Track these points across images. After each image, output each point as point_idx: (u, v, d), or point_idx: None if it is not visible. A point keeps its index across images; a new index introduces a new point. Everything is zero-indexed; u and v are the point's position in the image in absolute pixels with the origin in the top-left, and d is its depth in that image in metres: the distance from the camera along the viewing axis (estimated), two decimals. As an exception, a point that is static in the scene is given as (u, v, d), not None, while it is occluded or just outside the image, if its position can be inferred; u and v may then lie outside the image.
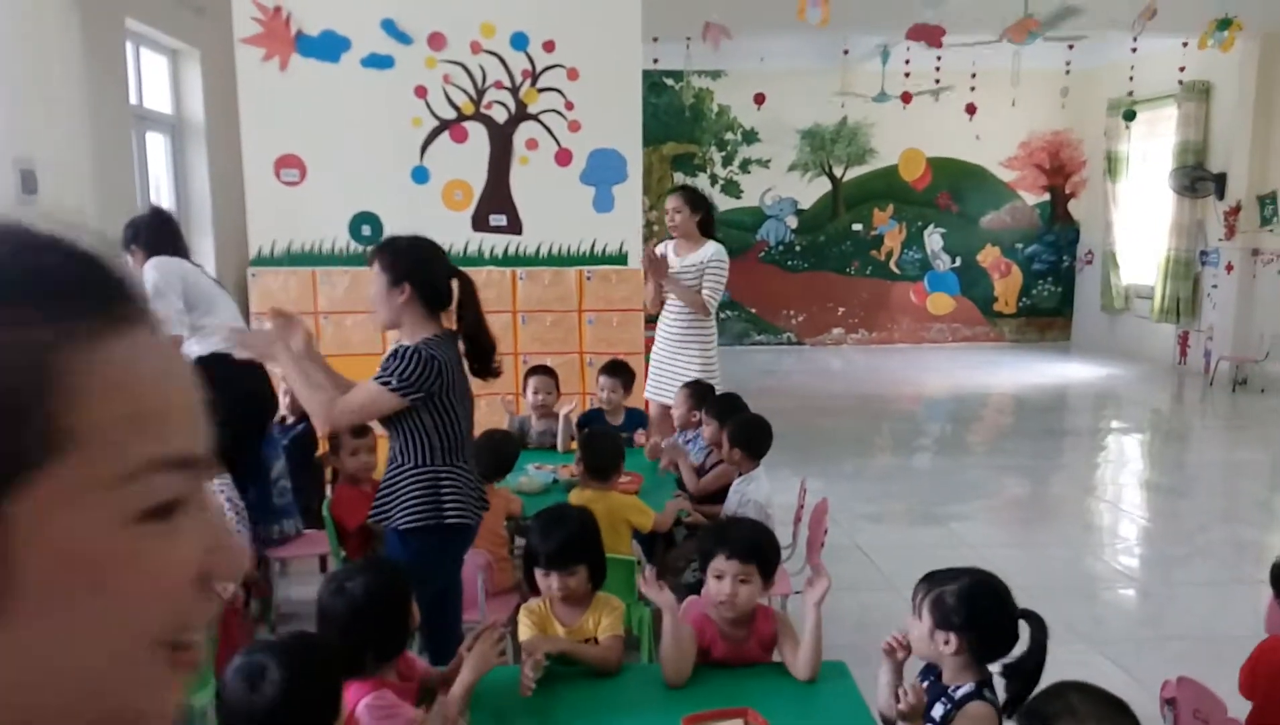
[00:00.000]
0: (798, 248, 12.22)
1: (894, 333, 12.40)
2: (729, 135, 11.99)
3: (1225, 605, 4.36)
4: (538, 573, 2.30)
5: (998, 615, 1.92)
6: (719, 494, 3.76)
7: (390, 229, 5.77)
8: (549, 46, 5.65)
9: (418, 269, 2.66)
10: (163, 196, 7.68)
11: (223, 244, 8.07)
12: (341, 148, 5.67)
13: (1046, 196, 12.35)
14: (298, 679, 1.54)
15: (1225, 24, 6.92)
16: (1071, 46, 8.94)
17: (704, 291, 4.89)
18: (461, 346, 2.73)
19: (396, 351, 2.62)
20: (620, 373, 4.45)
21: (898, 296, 12.37)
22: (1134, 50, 8.98)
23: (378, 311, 2.74)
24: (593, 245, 5.88)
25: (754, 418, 3.82)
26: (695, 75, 11.33)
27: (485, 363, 2.77)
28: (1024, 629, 1.95)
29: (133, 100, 6.87)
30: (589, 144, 5.75)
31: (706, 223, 4.98)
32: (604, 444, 3.43)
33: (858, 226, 12.24)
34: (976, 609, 1.90)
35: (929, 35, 6.66)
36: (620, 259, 5.89)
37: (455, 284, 2.75)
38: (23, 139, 5.44)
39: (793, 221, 12.16)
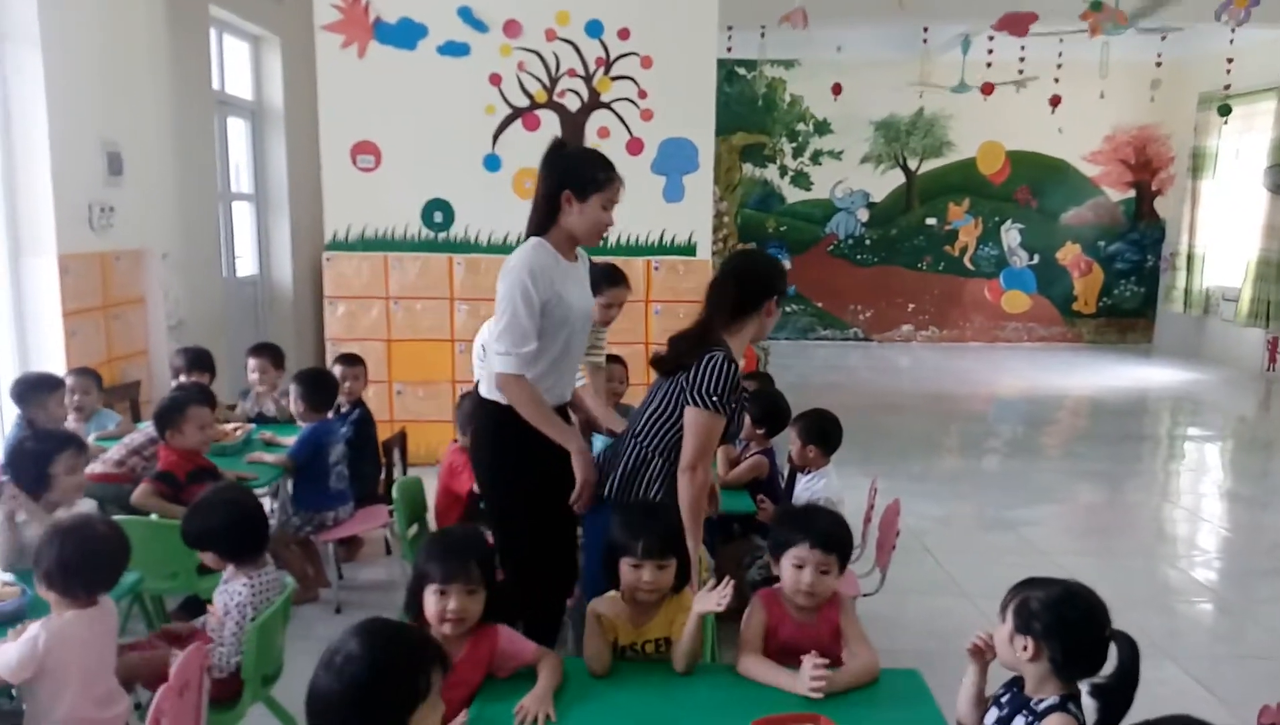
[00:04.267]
0: (868, 241, 12.00)
1: (966, 331, 12.11)
2: (800, 126, 11.82)
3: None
4: (626, 564, 2.22)
5: (1083, 630, 1.82)
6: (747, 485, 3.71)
7: (462, 216, 5.82)
8: (624, 34, 5.62)
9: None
10: (243, 179, 7.86)
11: (298, 228, 8.22)
12: (416, 135, 5.72)
13: (1131, 193, 11.92)
14: (380, 657, 1.54)
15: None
16: (1164, 38, 8.59)
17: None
18: None
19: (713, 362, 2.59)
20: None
21: (971, 293, 12.08)
22: (1231, 42, 8.61)
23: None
24: (661, 235, 5.84)
25: (824, 413, 3.74)
26: (768, 65, 11.19)
27: None
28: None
29: (215, 86, 7.02)
30: (660, 133, 5.71)
31: None
32: None
33: (931, 221, 11.97)
34: (1060, 619, 1.81)
35: (1018, 23, 6.43)
36: (689, 250, 5.84)
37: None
38: (109, 122, 5.59)
39: (864, 215, 11.95)
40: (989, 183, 11.82)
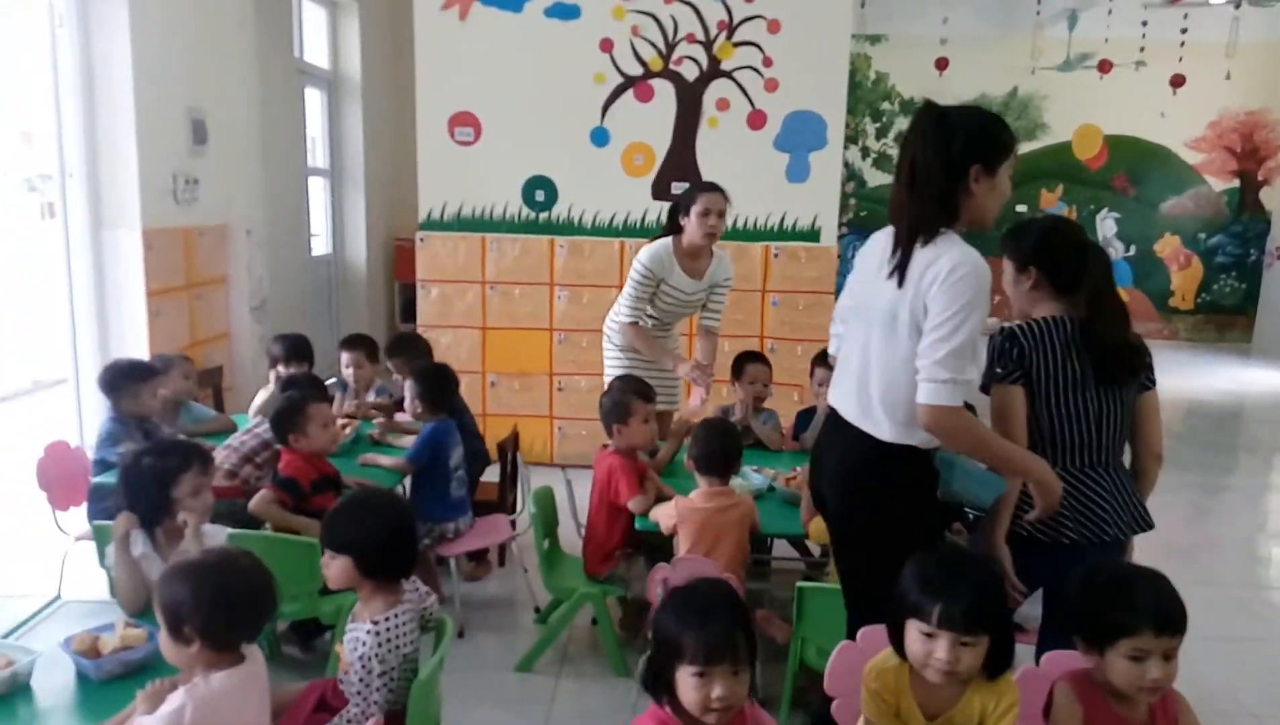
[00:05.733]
0: (955, 230, 11.42)
1: (1054, 324, 11.51)
2: (885, 105, 11.25)
3: None
4: (916, 628, 1.74)
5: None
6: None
7: (565, 195, 5.39)
8: (750, -6, 5.13)
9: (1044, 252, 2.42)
10: (318, 153, 7.49)
11: (372, 206, 7.85)
12: (519, 106, 5.29)
13: (1236, 182, 11.23)
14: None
15: None
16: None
17: (712, 321, 4.02)
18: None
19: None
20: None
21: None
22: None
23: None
24: (782, 219, 5.37)
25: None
26: (853, 40, 10.61)
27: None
28: None
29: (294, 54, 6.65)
30: (786, 106, 5.23)
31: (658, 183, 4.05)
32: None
33: (1023, 207, 11.34)
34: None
35: None
36: (813, 235, 5.37)
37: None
38: (195, 88, 5.22)
39: (949, 201, 11.36)
40: (1085, 168, 11.18)
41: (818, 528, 2.92)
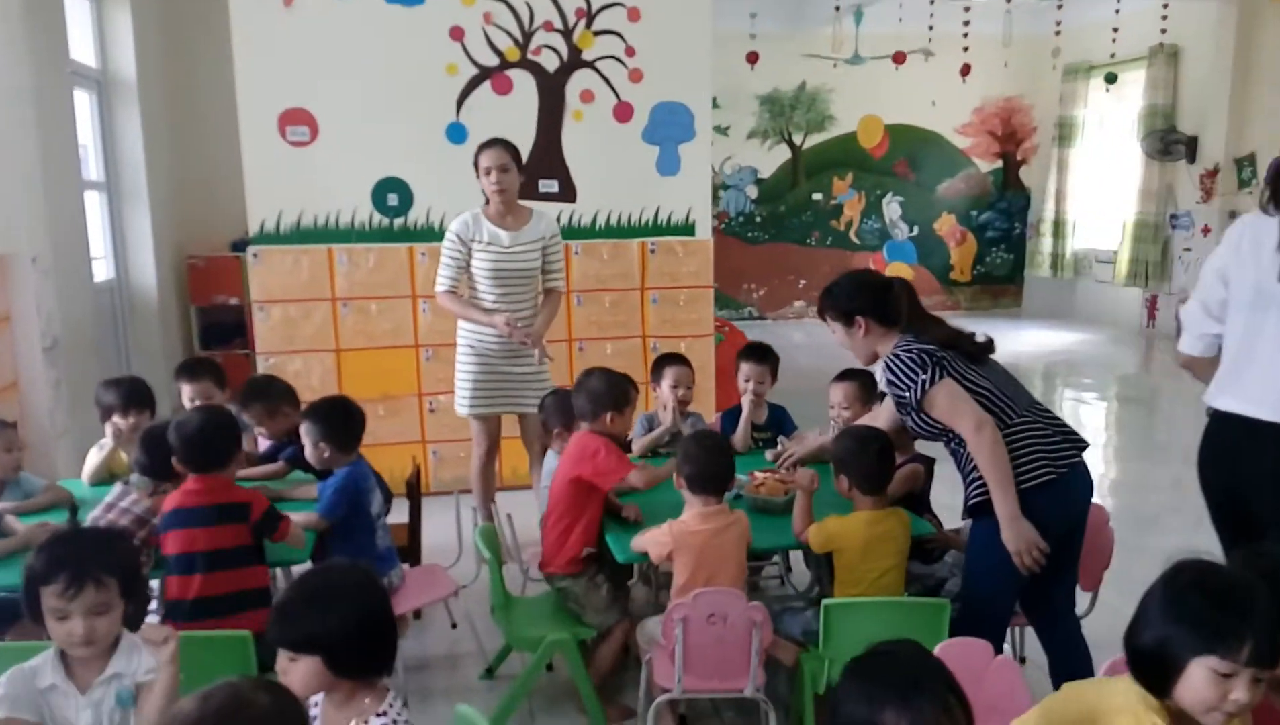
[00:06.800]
0: (758, 218, 11.74)
1: (854, 304, 12.10)
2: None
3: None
4: (1203, 666, 1.47)
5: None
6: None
7: (421, 198, 4.91)
8: (609, -19, 4.88)
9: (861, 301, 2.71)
10: (90, 161, 6.45)
11: (160, 221, 6.89)
12: (362, 101, 4.75)
13: (999, 163, 12.29)
14: None
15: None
16: (1060, 6, 8.73)
17: (554, 281, 4.02)
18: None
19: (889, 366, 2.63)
20: (767, 358, 3.77)
21: (858, 267, 12.05)
22: (1118, 12, 8.88)
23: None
24: (656, 213, 5.16)
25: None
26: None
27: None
28: None
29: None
30: (652, 97, 5.02)
31: (525, 184, 4.05)
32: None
33: (817, 196, 11.85)
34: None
35: None
36: (688, 229, 5.20)
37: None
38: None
39: (753, 191, 11.66)
40: (870, 156, 11.82)
41: (820, 536, 2.74)
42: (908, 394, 2.55)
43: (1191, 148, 9.61)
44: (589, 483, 2.92)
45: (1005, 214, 12.42)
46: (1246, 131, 9.10)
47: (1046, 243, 11.89)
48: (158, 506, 2.76)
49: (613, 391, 3.01)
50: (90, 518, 2.84)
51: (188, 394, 3.72)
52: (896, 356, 2.59)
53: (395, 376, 4.96)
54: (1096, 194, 11.22)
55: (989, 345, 2.67)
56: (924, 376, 2.52)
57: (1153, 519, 4.81)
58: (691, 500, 2.71)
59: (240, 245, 7.53)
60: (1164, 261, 10.17)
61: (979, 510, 2.54)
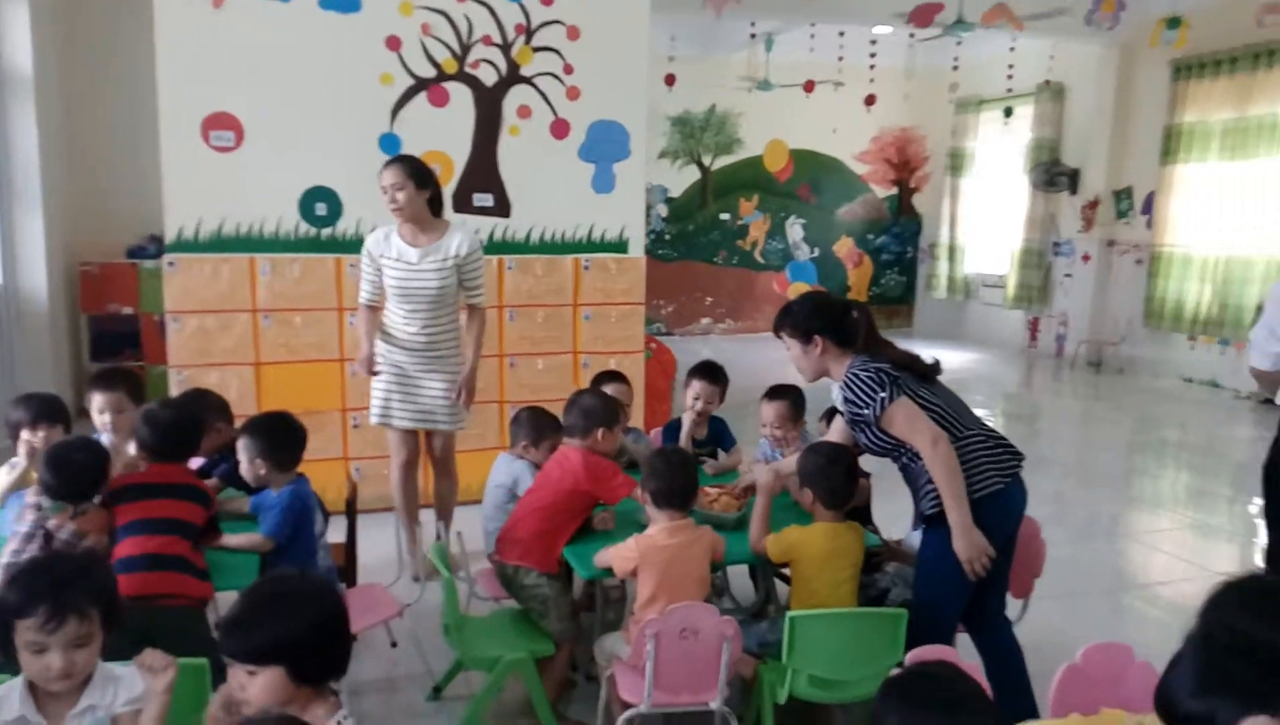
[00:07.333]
0: (668, 237, 11.90)
1: (758, 321, 12.37)
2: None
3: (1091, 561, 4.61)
4: None
5: None
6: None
7: (351, 209, 4.81)
8: (547, -1, 4.89)
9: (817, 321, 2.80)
10: (-21, 163, 6.07)
11: (54, 224, 6.52)
12: (291, 107, 4.63)
13: (894, 190, 12.80)
14: None
15: (1175, 22, 7.29)
16: (959, 42, 9.19)
17: (476, 298, 3.93)
18: None
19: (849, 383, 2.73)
20: (720, 379, 3.83)
21: (762, 286, 12.37)
22: (1012, 49, 9.42)
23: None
24: (590, 230, 5.19)
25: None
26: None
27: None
28: None
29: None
30: (589, 115, 5.06)
31: (436, 201, 3.91)
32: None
33: (725, 216, 12.10)
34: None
35: (925, 15, 6.49)
36: (621, 246, 5.24)
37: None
38: None
39: (663, 210, 11.82)
40: (774, 180, 12.12)
41: (779, 546, 2.81)
42: (866, 411, 2.66)
43: (1074, 180, 10.24)
44: (593, 495, 2.98)
45: (899, 238, 12.95)
46: (1125, 166, 9.76)
47: (943, 266, 12.45)
48: (85, 528, 2.61)
49: (605, 410, 3.07)
50: (7, 551, 2.62)
51: (98, 405, 3.50)
52: (855, 375, 2.70)
53: (318, 391, 4.82)
54: (986, 221, 11.82)
55: (937, 367, 2.83)
56: (883, 394, 2.63)
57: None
58: (656, 515, 2.74)
59: (138, 252, 7.19)
60: (1046, 286, 10.79)
61: (933, 521, 2.67)
